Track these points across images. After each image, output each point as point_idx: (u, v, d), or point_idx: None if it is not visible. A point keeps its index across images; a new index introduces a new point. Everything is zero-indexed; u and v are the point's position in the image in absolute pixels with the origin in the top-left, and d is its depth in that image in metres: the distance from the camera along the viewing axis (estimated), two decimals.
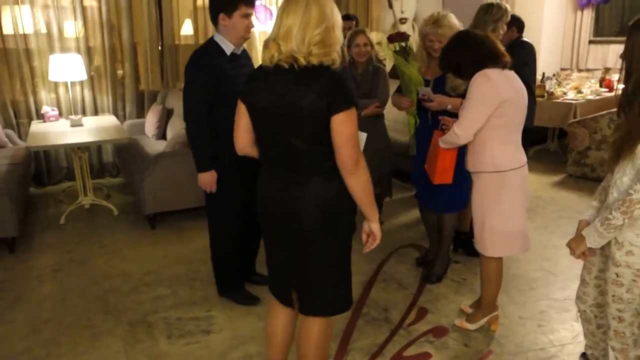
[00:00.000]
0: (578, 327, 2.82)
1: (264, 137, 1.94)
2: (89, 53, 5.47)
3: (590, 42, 7.05)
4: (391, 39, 3.13)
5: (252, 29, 2.79)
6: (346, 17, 5.34)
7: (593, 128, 5.20)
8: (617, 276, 1.90)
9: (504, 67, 2.50)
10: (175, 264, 3.69)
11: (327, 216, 1.88)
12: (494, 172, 2.54)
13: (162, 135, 5.42)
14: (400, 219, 4.45)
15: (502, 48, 2.53)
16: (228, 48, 2.77)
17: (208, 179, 2.82)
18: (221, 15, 2.70)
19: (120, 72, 5.73)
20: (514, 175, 2.55)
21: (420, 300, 3.16)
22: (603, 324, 2.16)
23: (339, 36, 1.82)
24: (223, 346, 2.73)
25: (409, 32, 6.34)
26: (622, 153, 1.82)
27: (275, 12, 6.32)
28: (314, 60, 1.77)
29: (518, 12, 6.33)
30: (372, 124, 3.76)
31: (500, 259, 2.72)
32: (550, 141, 6.55)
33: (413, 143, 3.27)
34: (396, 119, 5.84)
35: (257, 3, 5.75)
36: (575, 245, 2.00)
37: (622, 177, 1.85)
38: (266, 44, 1.84)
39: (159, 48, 5.83)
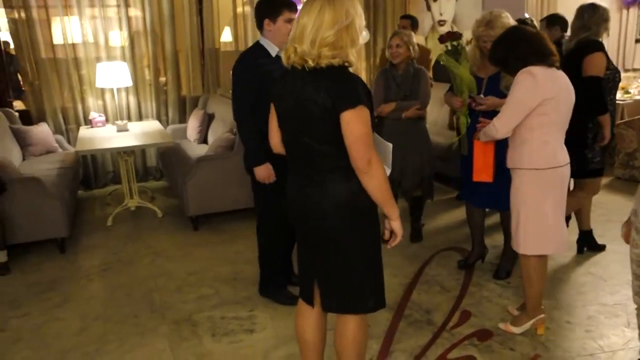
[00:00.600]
0: (629, 333, 2.74)
1: (285, 137, 2.01)
2: (133, 61, 5.65)
3: (637, 41, 6.84)
4: (442, 39, 3.13)
5: None
6: (403, 17, 5.49)
7: None
8: None
9: (550, 65, 2.47)
10: (218, 264, 3.75)
11: (346, 214, 1.90)
12: (532, 170, 2.53)
13: (203, 140, 5.53)
14: (441, 222, 4.40)
15: (551, 46, 2.50)
16: (273, 50, 2.87)
17: (264, 172, 2.88)
18: (266, 21, 2.82)
19: (163, 79, 5.89)
20: (553, 174, 2.53)
21: (464, 303, 3.12)
22: None
23: (354, 37, 1.80)
24: (266, 345, 2.76)
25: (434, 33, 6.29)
26: None
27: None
28: (323, 62, 1.78)
29: (562, 11, 6.21)
30: (413, 126, 3.76)
31: (540, 258, 2.67)
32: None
33: (465, 142, 3.23)
34: (435, 122, 5.80)
35: None
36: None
37: None
38: (286, 46, 1.88)
39: (200, 55, 5.97)
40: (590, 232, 3.69)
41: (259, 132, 2.77)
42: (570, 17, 4.09)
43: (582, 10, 3.35)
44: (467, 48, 3.20)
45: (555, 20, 3.85)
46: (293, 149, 1.98)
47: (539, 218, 2.58)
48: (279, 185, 2.85)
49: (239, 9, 6.12)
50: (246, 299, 3.25)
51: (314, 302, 2.11)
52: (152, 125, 5.37)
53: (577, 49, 3.27)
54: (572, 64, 3.15)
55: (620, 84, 6.32)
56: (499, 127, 2.53)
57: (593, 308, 3.01)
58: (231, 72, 2.97)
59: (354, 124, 1.77)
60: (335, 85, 1.77)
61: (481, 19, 3.06)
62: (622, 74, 6.76)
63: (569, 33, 3.90)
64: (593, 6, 3.34)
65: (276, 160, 2.76)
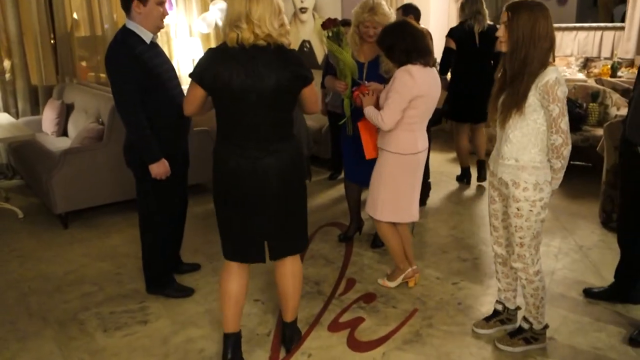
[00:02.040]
0: (487, 281, 3.19)
1: (236, 113, 2.22)
2: None
3: None
4: (324, 25, 3.23)
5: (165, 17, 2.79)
6: None
7: None
8: (518, 210, 2.33)
9: (426, 64, 2.78)
10: (97, 260, 3.58)
11: (297, 171, 2.37)
12: (397, 154, 2.87)
13: (63, 132, 5.15)
14: (318, 200, 4.63)
15: (431, 47, 2.83)
16: (147, 36, 2.73)
17: (162, 168, 2.77)
18: (135, 2, 2.66)
19: (7, 65, 5.32)
20: (413, 159, 2.90)
21: (348, 272, 3.37)
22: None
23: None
24: (163, 333, 2.75)
25: (310, 21, 6.53)
26: (511, 112, 2.24)
27: (174, 2, 6.21)
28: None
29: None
30: None
31: (389, 223, 3.03)
32: (445, 122, 7.07)
33: (350, 123, 3.39)
34: None
35: None
36: None
37: (514, 131, 2.28)
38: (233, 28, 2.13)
39: (51, 40, 5.51)
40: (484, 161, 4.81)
41: (150, 127, 2.70)
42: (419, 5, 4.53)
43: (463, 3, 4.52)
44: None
45: (409, 10, 4.24)
46: (247, 123, 2.21)
47: (395, 194, 2.95)
48: (172, 178, 2.85)
49: None
50: (134, 292, 3.17)
51: (264, 258, 2.38)
52: (1, 118, 4.86)
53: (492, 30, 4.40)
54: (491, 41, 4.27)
55: None
56: (386, 121, 2.76)
57: (456, 264, 3.44)
58: (105, 63, 2.75)
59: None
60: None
61: (364, 5, 3.24)
62: None
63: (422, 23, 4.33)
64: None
65: (166, 155, 2.78)
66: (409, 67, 2.74)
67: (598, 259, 3.44)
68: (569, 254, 3.52)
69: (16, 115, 5.37)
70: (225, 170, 2.27)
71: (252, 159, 2.23)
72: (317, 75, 3.51)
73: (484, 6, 4.50)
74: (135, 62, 2.64)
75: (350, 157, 3.50)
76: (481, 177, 4.88)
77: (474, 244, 3.71)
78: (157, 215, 2.95)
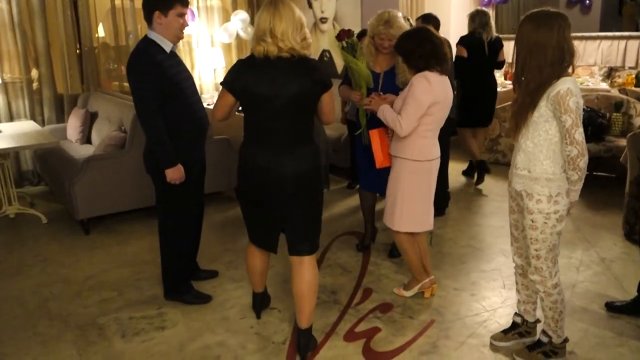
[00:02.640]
0: (505, 293, 3.15)
1: (258, 117, 2.43)
2: (1, 56, 5.19)
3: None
4: (339, 37, 3.26)
5: (185, 28, 2.87)
6: None
7: (502, 117, 5.68)
8: (532, 222, 2.30)
9: (442, 72, 2.79)
10: (117, 267, 3.63)
11: (316, 171, 2.53)
12: (412, 161, 2.87)
13: (86, 140, 5.25)
14: (336, 209, 4.63)
15: (448, 55, 2.84)
16: (167, 46, 2.82)
17: (178, 173, 2.82)
18: (156, 13, 2.75)
19: (34, 75, 5.47)
20: (428, 165, 2.90)
21: (365, 281, 3.36)
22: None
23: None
24: (180, 339, 2.77)
25: (330, 31, 6.57)
26: (520, 122, 2.24)
27: (196, 13, 6.31)
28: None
29: (428, 11, 6.76)
30: None
31: (408, 233, 3.02)
32: None
33: (365, 133, 3.40)
34: None
35: None
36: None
37: (526, 141, 2.27)
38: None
39: (77, 51, 5.64)
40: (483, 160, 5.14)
41: (168, 132, 2.77)
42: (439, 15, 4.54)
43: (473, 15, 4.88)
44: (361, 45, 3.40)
45: (429, 19, 4.23)
46: (270, 126, 2.42)
47: (412, 203, 2.94)
48: (188, 185, 2.90)
49: (117, 2, 5.86)
50: (152, 298, 3.20)
51: (276, 249, 2.62)
52: (27, 125, 4.98)
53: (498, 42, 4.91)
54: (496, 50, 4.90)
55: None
56: (404, 127, 2.76)
57: (474, 275, 3.41)
58: (126, 70, 2.85)
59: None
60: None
61: (379, 18, 3.25)
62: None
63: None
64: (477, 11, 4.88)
65: (182, 161, 2.84)
66: (427, 73, 2.75)
67: (620, 272, 3.37)
68: (591, 267, 3.46)
69: (42, 123, 5.50)
70: (247, 167, 2.50)
71: (272, 160, 2.42)
72: (337, 84, 3.55)
73: (491, 19, 4.82)
74: (155, 69, 2.73)
75: (365, 166, 3.50)
76: (480, 179, 5.06)
77: (493, 255, 3.67)
78: (174, 221, 3.00)
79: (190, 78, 2.97)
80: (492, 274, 3.41)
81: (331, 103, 2.50)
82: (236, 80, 2.41)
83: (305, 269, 2.55)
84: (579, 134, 2.15)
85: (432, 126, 2.84)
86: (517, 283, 2.63)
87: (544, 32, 2.13)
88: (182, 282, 3.13)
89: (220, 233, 4.10)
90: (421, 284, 3.12)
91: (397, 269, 3.50)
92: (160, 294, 3.21)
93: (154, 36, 2.81)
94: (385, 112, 2.86)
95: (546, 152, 2.23)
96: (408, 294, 3.13)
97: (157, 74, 2.73)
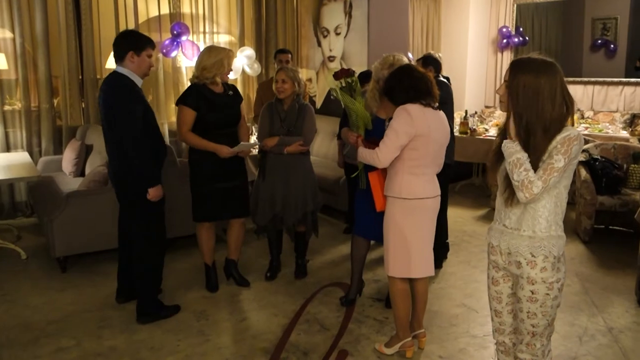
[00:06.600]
0: None
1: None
2: (1, 85, 5.18)
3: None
4: (337, 75, 3.14)
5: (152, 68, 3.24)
6: (280, 51, 5.30)
7: None
8: (533, 293, 1.98)
9: (426, 104, 2.69)
10: (84, 311, 3.43)
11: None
12: (399, 198, 2.74)
13: (80, 173, 5.15)
14: (328, 256, 4.38)
15: (432, 87, 2.74)
16: (138, 81, 3.14)
17: (159, 192, 3.14)
18: (130, 53, 3.07)
19: (34, 105, 5.42)
20: (420, 204, 2.74)
21: (342, 342, 3.07)
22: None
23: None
24: None
25: (331, 70, 6.42)
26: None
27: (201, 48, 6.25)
28: None
29: (444, 53, 6.59)
30: (296, 161, 3.73)
31: (403, 282, 2.83)
32: (475, 176, 6.75)
33: (363, 176, 3.21)
34: (325, 155, 5.86)
35: (183, 38, 5.73)
36: None
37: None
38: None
39: (79, 82, 5.60)
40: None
41: (152, 155, 3.09)
42: (451, 58, 4.34)
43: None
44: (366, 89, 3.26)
45: (428, 61, 4.04)
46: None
47: (403, 243, 2.78)
48: (163, 200, 3.23)
49: None
50: (110, 350, 2.98)
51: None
52: (19, 157, 4.91)
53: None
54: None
55: (495, 121, 6.80)
56: (381, 157, 2.67)
57: (464, 340, 3.09)
58: (107, 98, 3.05)
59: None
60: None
61: (384, 62, 3.15)
62: (498, 112, 7.32)
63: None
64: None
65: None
66: (407, 105, 2.69)
67: (630, 345, 3.01)
68: (596, 337, 3.10)
69: (39, 154, 5.44)
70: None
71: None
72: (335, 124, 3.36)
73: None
74: (139, 98, 3.06)
75: (362, 211, 3.28)
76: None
77: (488, 318, 3.32)
78: (157, 237, 3.26)
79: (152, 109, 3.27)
80: (484, 340, 3.08)
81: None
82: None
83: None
84: (553, 182, 1.87)
85: (420, 162, 2.70)
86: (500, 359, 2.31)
87: (548, 84, 1.87)
88: (153, 303, 3.30)
89: (184, 279, 3.88)
90: (402, 343, 2.89)
91: (379, 328, 3.21)
92: (120, 344, 3.00)
93: (126, 72, 3.09)
94: (362, 152, 2.80)
95: (550, 206, 1.95)
96: (389, 351, 2.91)
97: (140, 104, 3.05)
